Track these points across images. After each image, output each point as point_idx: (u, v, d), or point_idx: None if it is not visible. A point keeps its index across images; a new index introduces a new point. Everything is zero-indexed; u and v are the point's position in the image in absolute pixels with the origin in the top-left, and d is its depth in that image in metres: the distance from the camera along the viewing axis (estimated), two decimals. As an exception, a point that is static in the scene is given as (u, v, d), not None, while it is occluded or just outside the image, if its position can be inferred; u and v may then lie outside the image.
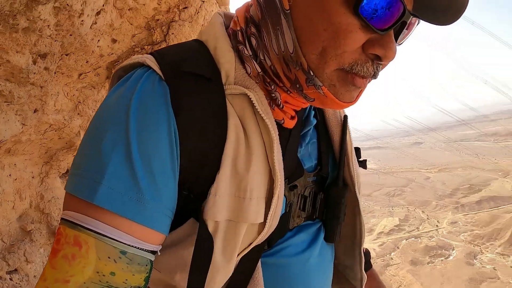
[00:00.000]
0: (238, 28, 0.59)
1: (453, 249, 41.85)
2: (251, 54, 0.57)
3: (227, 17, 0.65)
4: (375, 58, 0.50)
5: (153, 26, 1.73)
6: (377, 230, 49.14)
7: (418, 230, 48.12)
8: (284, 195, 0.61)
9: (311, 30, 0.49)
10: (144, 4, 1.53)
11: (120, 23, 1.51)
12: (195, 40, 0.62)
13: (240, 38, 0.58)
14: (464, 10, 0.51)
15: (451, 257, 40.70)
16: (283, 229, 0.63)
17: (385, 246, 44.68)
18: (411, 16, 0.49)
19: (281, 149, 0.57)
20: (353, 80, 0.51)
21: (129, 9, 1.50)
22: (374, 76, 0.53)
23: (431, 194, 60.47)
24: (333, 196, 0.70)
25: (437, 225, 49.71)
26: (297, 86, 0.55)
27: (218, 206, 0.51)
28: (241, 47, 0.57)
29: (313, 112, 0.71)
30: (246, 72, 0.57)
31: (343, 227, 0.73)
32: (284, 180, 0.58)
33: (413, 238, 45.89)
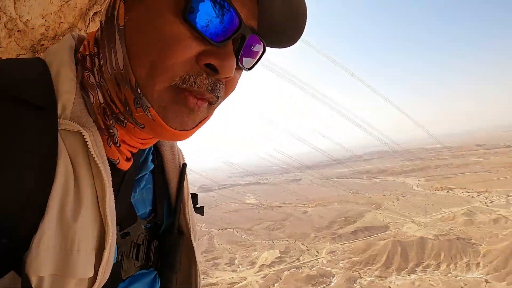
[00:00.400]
0: (87, 53, 0.54)
1: (334, 276, 43.44)
2: (97, 81, 0.52)
3: (81, 40, 0.59)
4: (212, 71, 0.47)
5: (37, 50, 1.81)
6: (259, 263, 48.62)
7: (299, 261, 49.30)
8: (116, 243, 0.54)
9: (141, 43, 0.46)
10: (32, 28, 1.62)
11: (7, 43, 1.61)
12: (38, 59, 0.54)
13: (88, 64, 0.53)
14: (303, 31, 0.52)
15: (332, 284, 42.04)
16: (116, 280, 0.58)
17: (268, 277, 44.19)
18: (251, 32, 0.49)
19: (114, 193, 0.51)
20: (185, 99, 0.47)
21: (18, 31, 1.60)
22: (213, 92, 0.48)
23: (310, 227, 63.77)
24: (168, 244, 0.67)
25: (316, 255, 51.58)
26: (127, 109, 0.50)
27: (42, 259, 0.43)
28: (87, 74, 0.53)
29: (151, 157, 0.68)
30: (89, 102, 0.52)
31: (179, 275, 0.70)
32: (116, 227, 0.53)
33: (294, 269, 46.59)
